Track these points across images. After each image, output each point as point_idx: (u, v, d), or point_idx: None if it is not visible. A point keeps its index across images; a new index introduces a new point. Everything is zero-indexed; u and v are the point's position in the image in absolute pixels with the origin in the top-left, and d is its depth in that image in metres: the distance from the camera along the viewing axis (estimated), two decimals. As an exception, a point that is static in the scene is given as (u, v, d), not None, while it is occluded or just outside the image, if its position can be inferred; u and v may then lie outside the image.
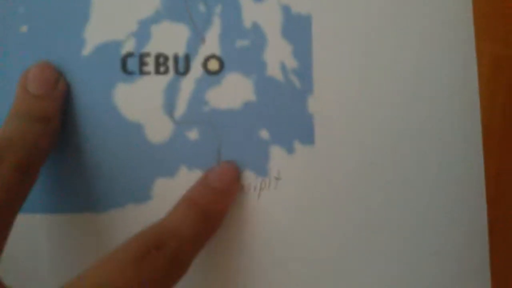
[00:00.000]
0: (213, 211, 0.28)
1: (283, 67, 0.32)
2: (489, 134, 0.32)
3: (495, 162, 0.32)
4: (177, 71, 0.31)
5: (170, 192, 0.30)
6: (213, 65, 0.32)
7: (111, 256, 0.24)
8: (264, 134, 0.31)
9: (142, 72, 0.31)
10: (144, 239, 0.25)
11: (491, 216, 0.32)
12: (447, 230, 0.32)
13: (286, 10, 0.32)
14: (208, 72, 0.32)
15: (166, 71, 0.31)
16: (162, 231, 0.26)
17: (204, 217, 0.27)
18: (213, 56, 0.32)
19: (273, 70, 0.32)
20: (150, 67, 0.31)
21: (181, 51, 0.32)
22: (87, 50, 0.31)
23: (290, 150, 0.31)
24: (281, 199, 0.31)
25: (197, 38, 0.32)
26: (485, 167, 0.32)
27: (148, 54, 0.31)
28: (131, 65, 0.31)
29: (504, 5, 0.34)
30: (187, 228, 0.26)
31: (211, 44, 0.32)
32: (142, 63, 0.31)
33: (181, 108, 0.31)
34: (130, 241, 0.24)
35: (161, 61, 0.31)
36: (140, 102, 0.31)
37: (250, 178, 0.31)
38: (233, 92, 0.31)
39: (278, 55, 0.32)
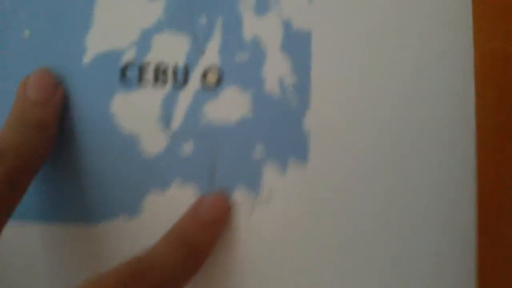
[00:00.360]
0: (200, 244, 0.28)
1: (282, 83, 0.32)
2: (483, 132, 0.32)
3: (488, 165, 0.32)
4: (175, 82, 0.32)
5: (161, 205, 0.31)
6: (212, 77, 0.32)
7: None
8: (259, 150, 0.31)
9: (141, 82, 0.31)
10: (124, 271, 0.25)
11: (481, 218, 0.32)
12: (443, 233, 0.32)
13: (287, 25, 0.32)
14: (206, 84, 0.32)
15: (164, 82, 0.31)
16: (143, 263, 0.25)
17: (190, 250, 0.27)
18: (212, 68, 0.32)
19: (271, 86, 0.32)
20: (149, 76, 0.31)
21: (181, 62, 0.32)
22: (87, 57, 0.32)
23: (284, 167, 0.31)
24: (273, 216, 0.31)
25: (198, 49, 0.32)
26: (479, 169, 0.32)
27: (148, 64, 0.31)
28: (130, 74, 0.31)
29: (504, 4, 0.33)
30: (171, 261, 0.26)
31: (211, 56, 0.32)
32: (141, 73, 0.31)
33: (177, 120, 0.31)
34: (108, 273, 0.24)
35: (160, 71, 0.31)
36: (137, 113, 0.31)
37: (242, 195, 0.31)
38: (230, 106, 0.32)
39: (277, 70, 0.32)
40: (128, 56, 0.31)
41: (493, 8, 0.33)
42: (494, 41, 0.34)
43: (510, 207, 0.33)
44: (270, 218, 0.31)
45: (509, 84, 0.33)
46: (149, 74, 0.31)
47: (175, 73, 0.31)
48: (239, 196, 0.31)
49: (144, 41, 0.32)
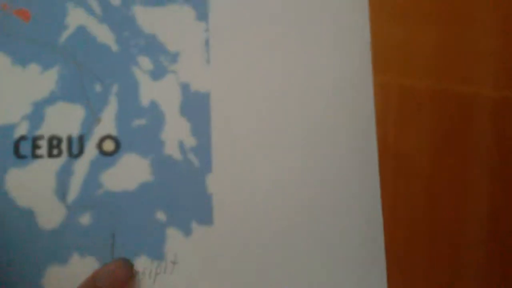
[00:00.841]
0: None
1: (181, 146, 0.32)
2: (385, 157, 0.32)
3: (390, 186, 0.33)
4: (70, 154, 0.31)
5: (63, 280, 0.30)
6: (108, 145, 0.31)
7: None
8: (161, 216, 0.31)
9: (35, 156, 0.31)
10: None
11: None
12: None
13: (184, 87, 0.32)
14: (103, 153, 0.31)
15: (59, 154, 0.31)
16: None
17: None
18: (108, 137, 0.31)
19: (171, 149, 0.32)
20: (43, 150, 0.31)
21: (75, 132, 0.31)
22: (-22, 134, 0.31)
23: (187, 231, 0.31)
24: (177, 284, 0.30)
25: (93, 118, 0.31)
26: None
27: (41, 137, 0.31)
28: (23, 149, 0.31)
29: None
30: None
31: (107, 124, 0.31)
32: (35, 147, 0.31)
33: (74, 191, 0.31)
34: None
35: (54, 144, 0.31)
36: (32, 187, 0.31)
37: (145, 262, 0.30)
38: (129, 173, 0.31)
39: (176, 133, 0.32)
40: (21, 130, 0.31)
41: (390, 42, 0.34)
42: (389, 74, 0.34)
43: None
44: (175, 284, 0.30)
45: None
46: (43, 147, 0.31)
47: (69, 144, 0.31)
48: (141, 265, 0.30)
49: (37, 114, 0.31)
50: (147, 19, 0.33)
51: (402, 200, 0.33)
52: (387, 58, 0.35)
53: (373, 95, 0.33)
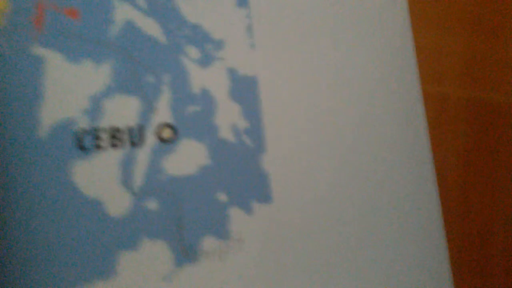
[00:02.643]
0: None
1: (235, 129, 0.33)
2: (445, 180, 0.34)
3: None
4: (132, 143, 0.32)
5: (135, 265, 0.31)
6: (167, 133, 0.33)
7: None
8: (222, 196, 0.32)
9: (97, 148, 0.32)
10: None
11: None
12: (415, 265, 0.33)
13: (232, 72, 0.33)
14: (162, 140, 0.32)
15: (121, 144, 0.32)
16: None
17: None
18: (166, 125, 0.33)
19: (225, 133, 0.33)
20: (105, 141, 0.32)
21: (134, 123, 0.32)
22: (42, 131, 0.32)
23: (248, 210, 0.32)
24: (244, 261, 0.32)
25: (149, 108, 0.33)
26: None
27: (102, 129, 0.32)
28: (86, 141, 0.32)
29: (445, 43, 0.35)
30: None
31: (163, 112, 0.33)
32: (96, 139, 0.32)
33: (138, 179, 0.32)
34: None
35: (115, 135, 0.32)
36: (98, 178, 0.32)
37: (213, 243, 0.31)
38: (188, 158, 0.32)
39: (228, 117, 0.33)
40: (82, 123, 0.32)
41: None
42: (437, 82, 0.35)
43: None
44: (242, 261, 0.31)
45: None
46: (105, 139, 0.32)
47: (130, 134, 0.32)
48: (209, 245, 0.31)
49: (95, 107, 0.32)
50: (190, 9, 0.34)
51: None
52: (426, 66, 0.36)
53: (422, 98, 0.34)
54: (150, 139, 0.32)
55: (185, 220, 0.32)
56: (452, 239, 0.34)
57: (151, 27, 0.34)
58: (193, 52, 0.34)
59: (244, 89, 0.33)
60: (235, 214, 0.32)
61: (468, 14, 0.37)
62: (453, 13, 0.36)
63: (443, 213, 0.34)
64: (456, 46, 0.36)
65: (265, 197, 0.32)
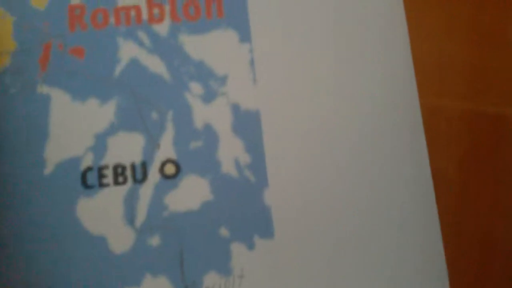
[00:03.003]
0: None
1: (237, 163, 0.33)
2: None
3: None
4: (135, 180, 0.33)
5: (138, 301, 0.31)
6: (170, 169, 0.33)
7: None
8: (224, 232, 0.32)
9: (101, 185, 0.32)
10: None
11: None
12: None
13: (235, 108, 0.34)
14: (165, 176, 0.33)
15: (124, 181, 0.33)
16: None
17: None
18: (169, 161, 0.33)
19: (228, 167, 0.33)
20: (109, 178, 0.33)
21: (138, 159, 0.33)
22: (48, 169, 0.33)
23: (250, 245, 0.32)
24: (246, 296, 0.32)
25: (152, 144, 0.33)
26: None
27: (106, 167, 0.33)
28: (90, 179, 0.33)
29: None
30: None
31: (166, 148, 0.33)
32: (101, 176, 0.33)
33: (141, 215, 0.32)
34: None
35: (119, 172, 0.33)
36: (102, 214, 0.32)
37: (214, 278, 0.32)
38: (191, 193, 0.33)
39: (231, 152, 0.33)
40: (86, 161, 0.33)
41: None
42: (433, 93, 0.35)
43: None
44: (244, 298, 0.32)
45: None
46: (109, 176, 0.32)
47: (133, 171, 0.33)
48: (211, 281, 0.32)
49: (100, 145, 0.33)
50: (194, 46, 0.35)
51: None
52: (425, 78, 0.36)
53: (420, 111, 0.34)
54: (153, 175, 0.33)
55: (187, 256, 0.32)
56: (448, 247, 0.33)
57: (155, 65, 0.34)
58: (196, 88, 0.34)
59: (247, 124, 0.34)
60: (237, 250, 0.32)
61: (467, 25, 0.36)
62: (452, 24, 0.36)
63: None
64: (454, 58, 0.36)
65: (267, 232, 0.32)
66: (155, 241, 0.32)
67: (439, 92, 0.36)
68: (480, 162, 0.35)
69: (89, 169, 0.33)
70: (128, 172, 0.33)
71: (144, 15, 0.35)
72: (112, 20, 0.35)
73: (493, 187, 0.35)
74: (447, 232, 0.34)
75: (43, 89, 0.34)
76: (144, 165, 0.33)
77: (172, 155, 0.33)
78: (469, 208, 0.34)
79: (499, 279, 0.34)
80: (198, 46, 0.35)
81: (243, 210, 0.33)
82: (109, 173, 0.33)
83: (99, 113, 0.33)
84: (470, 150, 0.35)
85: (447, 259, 0.33)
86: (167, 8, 0.35)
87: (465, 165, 0.35)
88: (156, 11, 0.35)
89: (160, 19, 0.35)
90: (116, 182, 0.33)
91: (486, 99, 0.36)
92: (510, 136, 0.35)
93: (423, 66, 0.36)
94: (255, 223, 0.32)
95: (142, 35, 0.34)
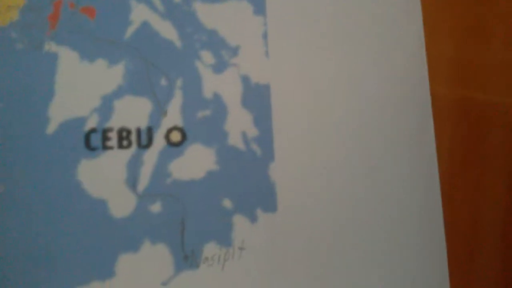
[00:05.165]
0: None
1: (244, 136, 0.32)
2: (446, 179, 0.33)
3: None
4: (139, 144, 0.32)
5: (134, 267, 0.31)
6: (176, 136, 0.32)
7: None
8: (227, 203, 0.32)
9: (105, 147, 0.32)
10: None
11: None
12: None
13: (245, 80, 0.33)
14: (170, 143, 0.32)
15: (129, 145, 0.32)
16: None
17: None
18: (175, 128, 0.32)
19: (235, 139, 0.32)
20: (113, 141, 0.32)
21: (144, 124, 0.32)
22: (51, 127, 0.32)
23: (253, 218, 0.32)
24: (245, 269, 0.31)
25: (159, 111, 0.32)
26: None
27: (110, 129, 0.32)
28: (94, 140, 0.32)
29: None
30: None
31: (173, 116, 0.33)
32: (105, 138, 0.32)
33: (144, 181, 0.32)
34: None
35: (124, 135, 0.32)
36: (104, 177, 0.31)
37: (214, 249, 0.31)
38: (196, 162, 0.32)
39: (239, 124, 0.33)
40: (91, 122, 0.32)
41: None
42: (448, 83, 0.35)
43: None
44: (243, 269, 0.31)
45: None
46: (113, 139, 0.32)
47: (138, 135, 0.32)
48: (210, 252, 0.31)
49: (106, 107, 0.32)
50: (208, 15, 0.34)
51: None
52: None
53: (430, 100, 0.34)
54: (159, 142, 0.32)
55: (188, 225, 0.31)
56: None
57: (167, 30, 0.34)
58: (207, 57, 0.34)
59: (256, 97, 0.33)
60: (239, 222, 0.32)
61: (456, 17, 0.36)
62: (443, 15, 0.36)
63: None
64: (445, 47, 0.36)
65: (270, 206, 0.32)
66: (156, 208, 0.31)
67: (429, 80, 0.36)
68: (468, 148, 0.35)
69: (93, 130, 0.32)
70: (133, 137, 0.32)
71: (159, -21, 0.34)
72: (126, -19, 0.34)
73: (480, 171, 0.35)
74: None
75: (51, 47, 0.33)
76: (150, 131, 0.32)
77: (179, 122, 0.32)
78: (458, 197, 0.34)
79: (487, 266, 0.34)
80: (211, 14, 0.34)
81: (248, 183, 0.32)
82: (113, 136, 0.32)
83: (107, 75, 0.33)
84: (459, 136, 0.35)
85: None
86: (183, -27, 0.34)
87: (454, 152, 0.35)
88: (171, -24, 0.34)
89: (175, -16, 0.34)
90: (120, 146, 0.32)
91: (472, 86, 0.36)
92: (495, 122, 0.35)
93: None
94: (258, 196, 0.32)
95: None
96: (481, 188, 0.34)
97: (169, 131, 0.32)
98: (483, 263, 0.33)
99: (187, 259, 0.31)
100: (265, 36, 0.34)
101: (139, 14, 0.34)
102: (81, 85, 0.33)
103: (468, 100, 0.35)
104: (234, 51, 0.34)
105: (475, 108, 0.35)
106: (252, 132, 0.33)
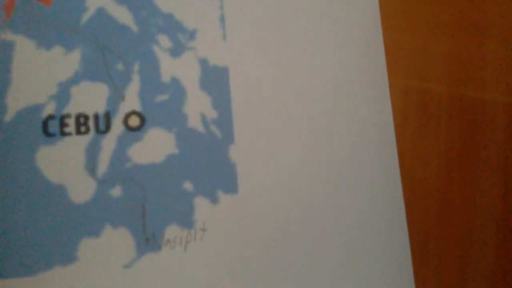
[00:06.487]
0: None
1: (204, 118, 0.33)
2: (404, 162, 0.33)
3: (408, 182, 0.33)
4: (98, 130, 0.32)
5: (96, 251, 0.31)
6: (134, 121, 0.32)
7: None
8: (188, 186, 0.32)
9: (63, 134, 0.32)
10: None
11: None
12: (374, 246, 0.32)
13: (203, 63, 0.33)
14: (129, 128, 0.32)
15: (87, 131, 0.32)
16: None
17: None
18: (133, 113, 0.32)
19: (194, 122, 0.33)
20: (71, 128, 0.32)
21: (101, 110, 0.32)
22: (8, 116, 0.32)
23: (214, 200, 0.32)
24: (207, 251, 0.31)
25: (117, 95, 0.32)
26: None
27: (68, 115, 0.32)
28: (52, 127, 0.32)
29: (413, 37, 0.35)
30: None
31: (131, 101, 0.33)
32: (62, 125, 0.32)
33: (103, 166, 0.32)
34: None
35: (81, 121, 0.32)
36: (62, 164, 0.31)
37: (176, 231, 0.31)
38: (155, 146, 0.32)
39: (197, 107, 0.33)
40: (48, 109, 0.32)
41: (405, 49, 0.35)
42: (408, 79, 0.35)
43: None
44: (205, 251, 0.31)
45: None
46: (71, 125, 0.32)
47: (96, 121, 0.32)
48: (172, 234, 0.31)
49: (63, 94, 0.32)
50: (164, -1, 0.34)
51: (417, 200, 0.34)
52: (399, 62, 0.36)
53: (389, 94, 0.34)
54: (117, 127, 0.32)
55: (149, 208, 0.31)
56: (431, 234, 0.33)
57: (123, 15, 0.34)
58: (164, 41, 0.34)
59: (215, 80, 0.33)
60: (200, 204, 0.32)
61: (451, 13, 0.36)
62: (437, 12, 0.36)
63: (423, 209, 0.34)
64: (440, 44, 0.36)
65: (231, 187, 0.32)
66: (116, 192, 0.31)
67: (423, 77, 0.36)
68: (462, 145, 0.35)
69: (50, 117, 0.32)
70: (91, 122, 0.32)
71: (114, -36, 0.34)
72: (80, -33, 0.34)
73: (474, 169, 0.35)
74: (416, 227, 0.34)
75: (7, 35, 0.33)
76: (108, 116, 0.32)
77: (137, 107, 0.32)
78: (452, 196, 0.34)
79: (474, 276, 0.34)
80: (167, -1, 0.34)
81: (208, 165, 0.32)
82: (71, 122, 0.32)
83: (63, 62, 0.33)
84: (453, 133, 0.35)
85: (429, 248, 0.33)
86: (137, -42, 0.34)
87: (448, 150, 0.35)
88: (126, -40, 0.34)
89: (130, -31, 0.34)
90: (78, 132, 0.32)
91: (467, 83, 0.36)
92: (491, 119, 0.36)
93: (409, 53, 0.36)
94: (219, 178, 0.32)
95: (110, -15, 0.34)
96: (477, 186, 0.34)
97: (128, 115, 0.32)
98: (477, 265, 0.33)
99: (148, 242, 0.31)
100: (222, 19, 0.34)
101: (95, 0, 0.34)
102: (37, 73, 0.32)
103: (463, 97, 0.35)
104: (191, 34, 0.34)
105: (470, 105, 0.35)
106: (211, 114, 0.33)
